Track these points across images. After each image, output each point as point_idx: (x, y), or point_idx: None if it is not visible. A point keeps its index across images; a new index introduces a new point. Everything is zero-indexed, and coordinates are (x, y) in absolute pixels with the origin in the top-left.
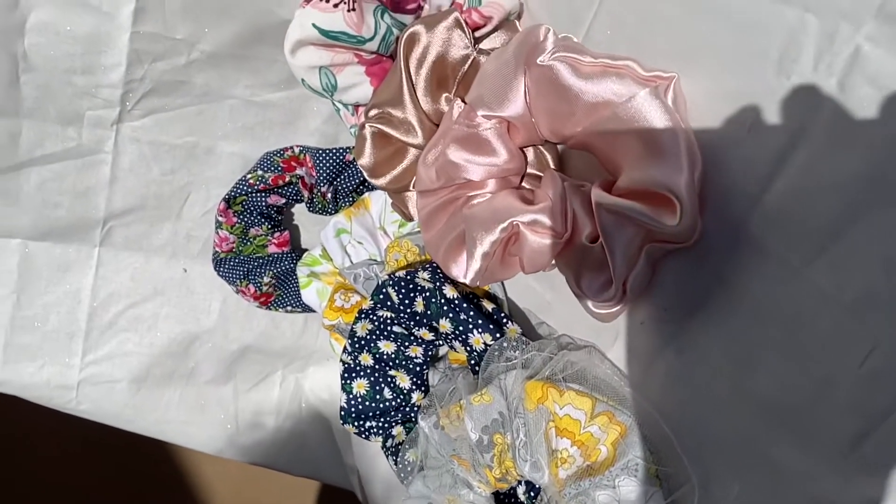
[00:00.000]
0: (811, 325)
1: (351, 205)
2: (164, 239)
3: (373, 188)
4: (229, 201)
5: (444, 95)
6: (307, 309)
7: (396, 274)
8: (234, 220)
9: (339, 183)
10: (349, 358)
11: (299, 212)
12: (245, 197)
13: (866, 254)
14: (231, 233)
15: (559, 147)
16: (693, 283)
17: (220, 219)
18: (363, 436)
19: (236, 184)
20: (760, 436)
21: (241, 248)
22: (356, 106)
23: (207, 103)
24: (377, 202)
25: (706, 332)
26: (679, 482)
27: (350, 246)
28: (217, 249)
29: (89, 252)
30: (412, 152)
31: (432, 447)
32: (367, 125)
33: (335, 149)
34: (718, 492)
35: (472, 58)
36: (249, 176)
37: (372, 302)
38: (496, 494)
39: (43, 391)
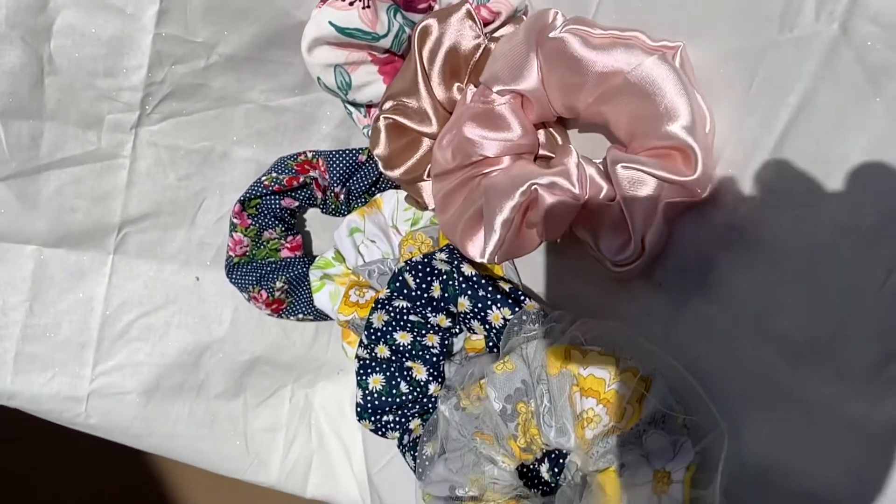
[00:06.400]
0: (830, 257)
1: (364, 205)
2: (178, 246)
3: (385, 189)
4: (244, 203)
5: (457, 85)
6: (318, 317)
7: (413, 259)
8: (249, 222)
9: (351, 184)
10: (365, 352)
11: (311, 218)
12: (259, 199)
13: (878, 181)
14: (245, 235)
15: (569, 132)
16: (708, 240)
17: (234, 221)
18: (380, 432)
19: (251, 186)
20: (786, 374)
21: (254, 252)
22: (368, 107)
23: (224, 107)
24: (389, 202)
25: (723, 286)
26: (707, 430)
27: (363, 245)
28: (231, 254)
29: (103, 259)
30: (426, 143)
31: (453, 429)
32: (381, 117)
33: (347, 150)
34: (749, 435)
35: (483, 46)
36: (264, 178)
37: (388, 290)
38: (521, 472)
39: (53, 403)
